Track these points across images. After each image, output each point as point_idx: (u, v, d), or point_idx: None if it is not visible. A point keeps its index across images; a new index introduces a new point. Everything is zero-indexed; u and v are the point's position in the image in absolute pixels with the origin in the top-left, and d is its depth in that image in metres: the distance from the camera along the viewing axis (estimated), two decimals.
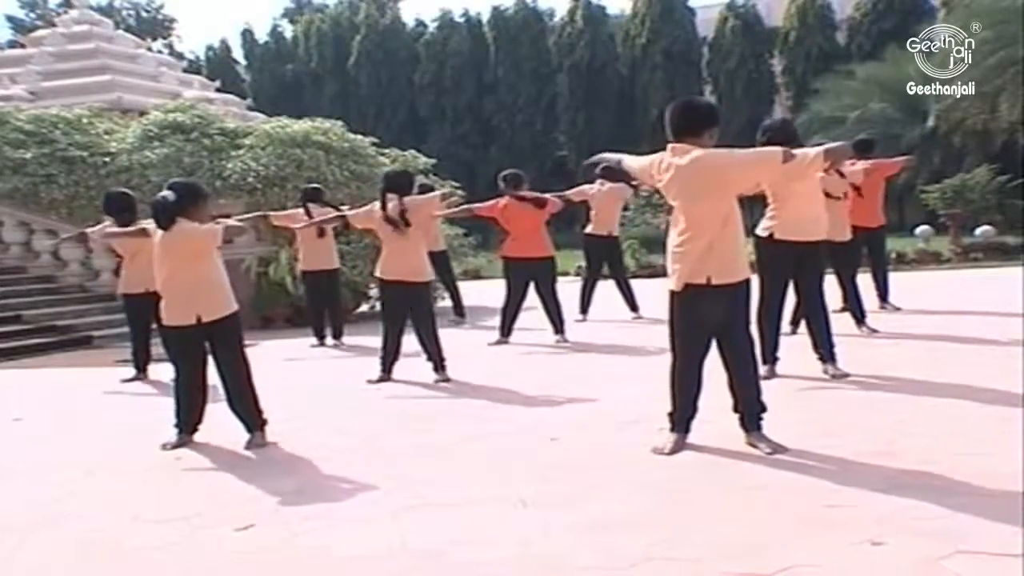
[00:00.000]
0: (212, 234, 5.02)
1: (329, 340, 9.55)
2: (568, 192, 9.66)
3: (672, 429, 4.29)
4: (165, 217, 4.96)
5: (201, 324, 4.95)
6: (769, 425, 4.22)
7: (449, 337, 8.50)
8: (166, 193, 4.99)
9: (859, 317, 7.63)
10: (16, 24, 46.53)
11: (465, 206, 9.09)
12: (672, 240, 4.21)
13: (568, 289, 9.93)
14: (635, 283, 10.43)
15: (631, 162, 4.62)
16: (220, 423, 5.12)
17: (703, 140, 4.10)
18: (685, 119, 4.16)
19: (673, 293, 4.22)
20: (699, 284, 4.10)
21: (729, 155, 4.11)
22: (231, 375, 5.00)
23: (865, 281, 8.48)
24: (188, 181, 5.38)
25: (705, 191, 4.06)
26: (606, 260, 10.19)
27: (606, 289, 10.20)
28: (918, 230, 18.31)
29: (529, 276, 8.38)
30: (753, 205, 6.29)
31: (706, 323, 4.17)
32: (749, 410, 4.19)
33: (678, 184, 4.11)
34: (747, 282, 4.21)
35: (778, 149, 4.16)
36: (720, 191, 4.07)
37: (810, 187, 5.62)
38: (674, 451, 4.19)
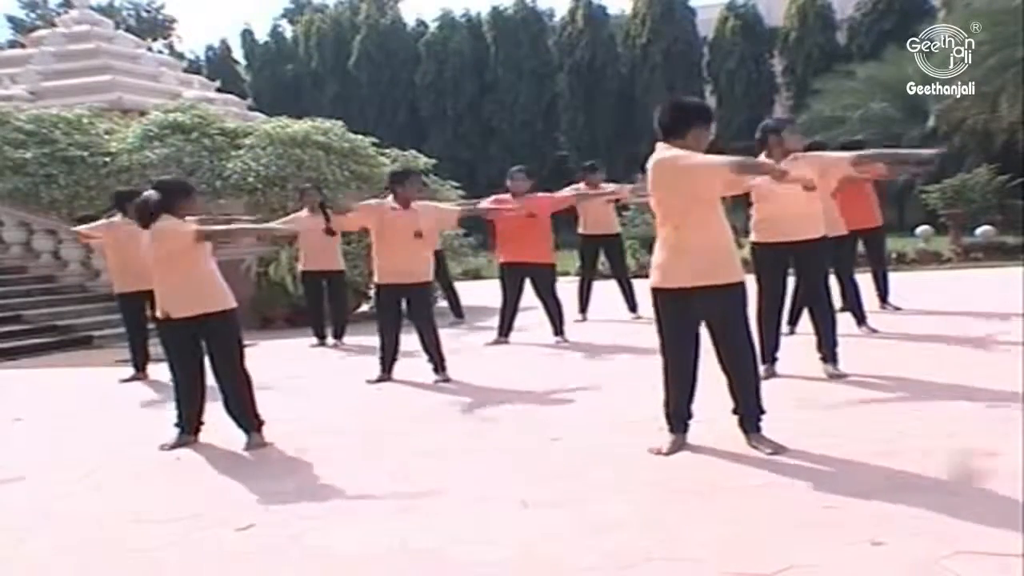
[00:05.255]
0: (183, 234, 4.96)
1: (329, 340, 9.55)
2: (560, 194, 9.56)
3: (670, 430, 4.29)
4: (146, 215, 4.96)
5: (196, 318, 4.93)
6: (769, 425, 4.22)
7: (448, 337, 8.49)
8: (149, 192, 5.00)
9: (859, 317, 7.62)
10: (16, 24, 46.54)
11: (477, 207, 8.85)
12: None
13: (567, 289, 9.94)
14: (635, 283, 10.40)
15: None
16: (219, 423, 5.11)
17: (687, 141, 4.07)
18: (667, 119, 4.16)
19: (655, 292, 4.23)
20: (674, 287, 4.11)
21: (683, 157, 4.01)
22: (227, 374, 4.99)
23: (865, 281, 8.49)
24: (174, 178, 5.38)
25: (669, 191, 4.08)
26: (606, 258, 10.20)
27: (606, 289, 10.20)
28: (918, 230, 18.30)
29: (526, 277, 8.36)
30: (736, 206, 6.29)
31: (688, 324, 4.17)
32: (748, 412, 4.18)
33: (651, 185, 4.13)
34: (739, 284, 4.14)
35: (728, 160, 4.06)
36: (680, 191, 4.05)
37: (793, 186, 5.52)
38: (672, 451, 4.19)
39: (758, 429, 4.17)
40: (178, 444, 5.06)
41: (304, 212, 9.38)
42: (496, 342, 8.53)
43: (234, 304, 5.06)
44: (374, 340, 7.05)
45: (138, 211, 5.03)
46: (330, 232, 9.09)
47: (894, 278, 9.44)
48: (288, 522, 3.62)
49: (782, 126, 5.93)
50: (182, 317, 4.94)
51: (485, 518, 3.51)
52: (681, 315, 4.18)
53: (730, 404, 4.26)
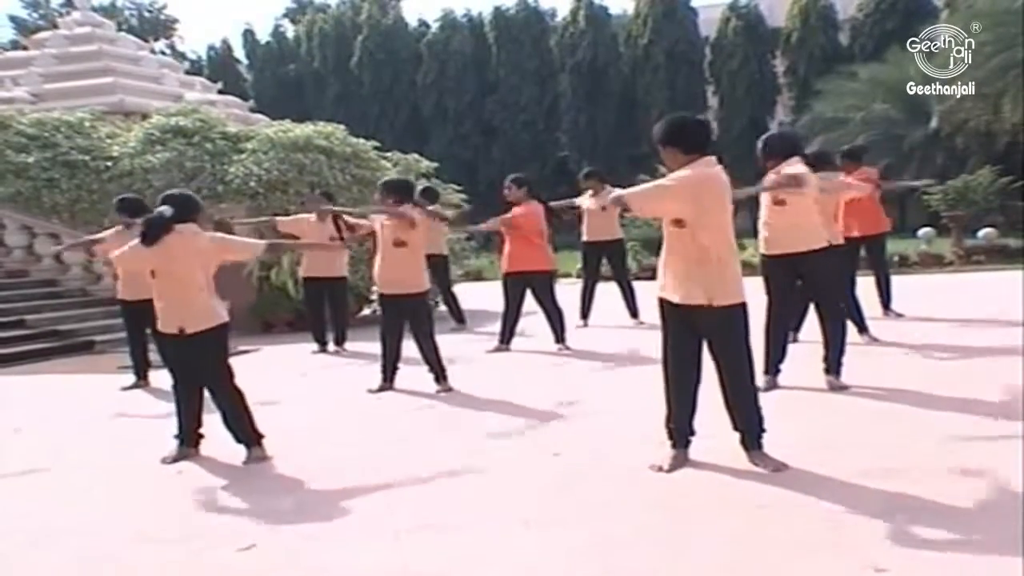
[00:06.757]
0: (250, 247, 5.37)
1: (330, 346, 9.54)
2: (562, 203, 9.67)
3: (672, 445, 4.28)
4: (159, 231, 4.90)
5: (184, 335, 4.94)
6: (770, 439, 4.20)
7: (450, 344, 8.48)
8: (163, 208, 4.96)
9: (860, 326, 7.60)
10: (18, 24, 46.58)
11: (491, 223, 8.83)
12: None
13: (570, 292, 9.95)
14: (637, 285, 10.35)
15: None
16: (220, 436, 5.09)
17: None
18: (702, 135, 4.19)
19: (660, 302, 4.24)
20: (673, 302, 4.15)
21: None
22: (218, 390, 4.99)
23: (868, 285, 8.46)
24: (183, 193, 5.35)
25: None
26: (608, 263, 10.21)
27: (608, 294, 10.18)
28: (920, 232, 18.26)
29: (527, 286, 8.37)
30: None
31: (688, 340, 4.17)
32: (749, 429, 4.17)
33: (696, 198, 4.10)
34: (738, 305, 4.11)
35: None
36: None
37: (798, 198, 5.56)
38: (674, 468, 4.17)
39: (760, 446, 4.16)
40: (179, 457, 5.05)
41: (311, 216, 9.35)
42: (497, 349, 8.52)
43: (222, 320, 4.98)
44: (376, 347, 7.04)
45: (148, 227, 4.96)
46: (341, 239, 8.99)
47: (896, 282, 9.41)
48: (289, 542, 3.61)
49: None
50: (173, 332, 4.96)
51: (486, 538, 3.50)
52: (681, 330, 4.19)
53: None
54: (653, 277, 4.56)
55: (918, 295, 10.39)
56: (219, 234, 5.21)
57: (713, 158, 4.11)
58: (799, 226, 5.69)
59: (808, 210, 5.70)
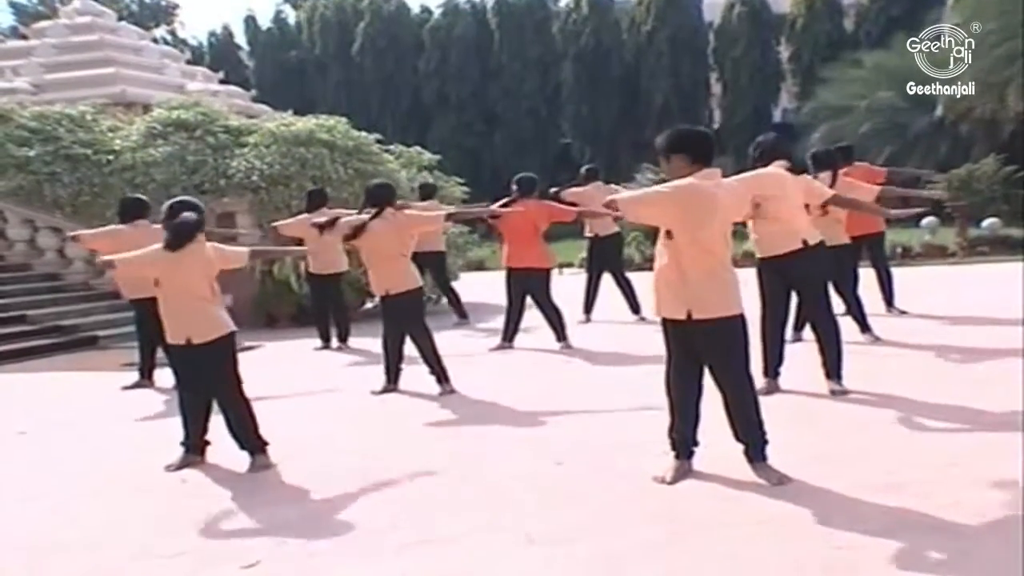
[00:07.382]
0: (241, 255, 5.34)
1: (334, 343, 9.55)
2: (565, 195, 9.71)
3: (675, 456, 4.28)
4: (188, 238, 4.91)
5: (191, 346, 4.94)
6: (771, 448, 4.18)
7: (452, 341, 8.51)
8: (187, 215, 4.96)
9: (863, 324, 7.58)
10: (18, 9, 46.39)
11: (479, 209, 8.90)
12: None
13: (571, 283, 9.93)
14: (640, 276, 10.28)
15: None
16: (224, 442, 5.09)
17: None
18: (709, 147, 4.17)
19: (662, 321, 4.24)
20: (671, 319, 4.15)
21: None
22: (226, 399, 4.99)
23: (870, 282, 8.44)
24: (194, 200, 5.35)
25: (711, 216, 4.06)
26: (603, 258, 10.22)
27: (611, 289, 10.15)
28: (924, 221, 18.17)
29: (523, 287, 8.35)
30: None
31: (686, 353, 4.16)
32: (751, 442, 4.16)
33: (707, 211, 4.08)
34: (737, 317, 4.08)
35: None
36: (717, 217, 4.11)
37: (782, 202, 5.55)
38: (676, 479, 4.17)
39: (763, 458, 4.15)
40: (183, 464, 5.06)
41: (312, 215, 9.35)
42: (500, 347, 8.52)
43: (230, 329, 4.98)
44: (379, 343, 7.03)
45: (178, 234, 4.94)
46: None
47: (899, 275, 9.38)
48: (294, 557, 3.61)
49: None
50: (180, 343, 4.96)
51: (489, 553, 3.50)
52: (677, 343, 4.19)
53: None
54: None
55: (922, 290, 10.36)
56: (217, 244, 5.21)
57: (716, 171, 4.09)
58: (781, 229, 5.68)
59: (790, 213, 5.67)
